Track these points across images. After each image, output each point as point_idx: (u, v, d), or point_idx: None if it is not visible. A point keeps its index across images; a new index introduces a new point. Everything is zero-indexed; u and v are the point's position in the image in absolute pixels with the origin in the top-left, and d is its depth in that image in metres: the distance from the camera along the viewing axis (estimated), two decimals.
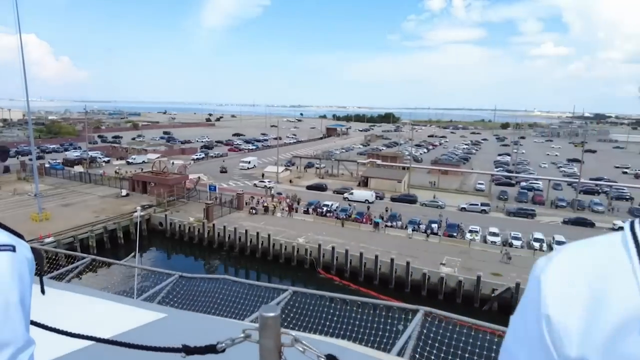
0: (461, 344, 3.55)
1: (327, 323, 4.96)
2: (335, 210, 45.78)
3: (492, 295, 29.97)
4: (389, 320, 4.45)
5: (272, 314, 1.35)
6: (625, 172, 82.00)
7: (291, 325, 4.77)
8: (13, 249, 1.12)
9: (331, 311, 5.00)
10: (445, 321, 3.78)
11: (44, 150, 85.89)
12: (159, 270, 6.16)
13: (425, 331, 3.60)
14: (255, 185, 58.39)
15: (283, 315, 4.86)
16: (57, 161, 70.90)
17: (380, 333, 4.27)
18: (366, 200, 51.09)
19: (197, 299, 5.74)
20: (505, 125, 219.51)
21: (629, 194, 57.95)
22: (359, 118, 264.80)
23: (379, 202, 51.69)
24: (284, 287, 4.72)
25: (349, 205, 48.05)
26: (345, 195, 53.07)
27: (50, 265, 6.91)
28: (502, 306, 29.41)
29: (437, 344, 4.17)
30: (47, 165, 65.61)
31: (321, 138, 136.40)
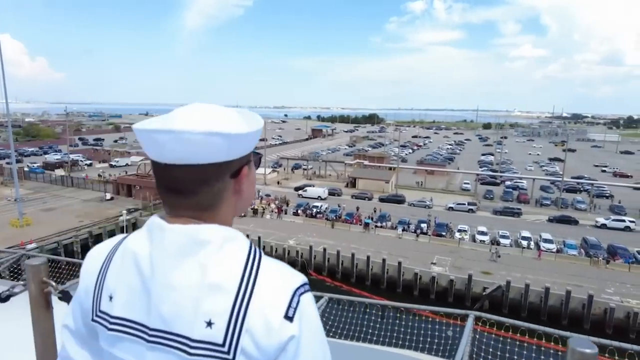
0: (516, 348, 3.47)
1: (370, 330, 4.83)
2: (324, 211, 45.67)
3: (483, 293, 30.27)
4: (436, 326, 4.36)
5: None
6: (604, 171, 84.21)
7: (331, 333, 4.61)
8: (309, 288, 0.95)
9: (372, 318, 4.88)
10: (496, 325, 3.74)
11: (22, 153, 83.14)
12: None
13: (477, 336, 3.54)
14: None
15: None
16: (37, 165, 68.85)
17: (429, 340, 4.17)
18: (319, 196, 52.20)
19: None
20: (487, 126, 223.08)
21: (608, 191, 59.52)
22: (344, 119, 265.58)
23: (367, 202, 51.78)
24: (319, 294, 4.57)
25: (339, 206, 47.99)
26: (300, 192, 53.91)
27: (57, 275, 6.48)
28: (494, 304, 29.79)
29: (491, 349, 4.15)
30: (26, 169, 63.59)
31: (307, 139, 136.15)
